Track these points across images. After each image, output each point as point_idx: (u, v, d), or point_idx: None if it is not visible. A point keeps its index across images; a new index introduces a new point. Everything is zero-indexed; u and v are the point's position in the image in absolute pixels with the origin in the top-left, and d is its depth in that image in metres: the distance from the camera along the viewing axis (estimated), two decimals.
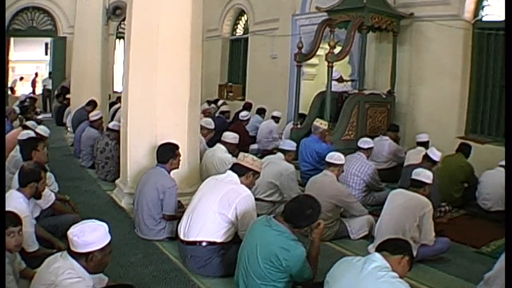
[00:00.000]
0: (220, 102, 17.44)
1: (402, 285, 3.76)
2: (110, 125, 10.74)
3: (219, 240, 5.76)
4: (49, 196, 6.60)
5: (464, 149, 9.77)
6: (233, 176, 5.99)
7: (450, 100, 12.11)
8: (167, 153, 7.04)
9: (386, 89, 13.15)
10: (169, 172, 7.00)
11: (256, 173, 6.11)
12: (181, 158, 7.20)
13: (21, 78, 31.77)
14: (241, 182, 5.93)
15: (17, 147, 7.95)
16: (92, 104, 14.16)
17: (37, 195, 5.86)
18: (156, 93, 7.92)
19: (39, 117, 17.37)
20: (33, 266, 4.77)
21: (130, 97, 8.11)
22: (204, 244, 5.76)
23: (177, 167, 7.15)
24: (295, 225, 4.87)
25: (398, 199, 6.56)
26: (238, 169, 6.04)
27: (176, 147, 7.11)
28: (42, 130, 9.33)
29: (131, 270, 5.93)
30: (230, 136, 9.12)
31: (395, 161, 11.10)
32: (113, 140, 10.24)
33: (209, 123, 10.35)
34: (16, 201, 5.45)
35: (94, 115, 11.87)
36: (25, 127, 9.85)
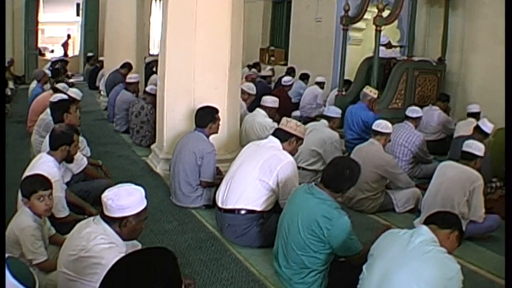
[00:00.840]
0: (268, 67, 17.35)
1: (450, 262, 3.69)
2: (148, 89, 10.77)
3: (258, 208, 5.77)
4: (81, 161, 6.66)
5: None
6: (275, 141, 5.95)
7: (502, 70, 11.83)
8: (206, 117, 7.02)
9: (436, 57, 12.96)
10: (207, 137, 6.99)
11: (300, 139, 6.05)
12: (220, 122, 7.18)
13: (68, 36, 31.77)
14: (284, 148, 5.90)
15: (48, 110, 8.02)
16: (127, 66, 14.17)
17: (68, 159, 5.85)
18: (195, 56, 7.92)
19: (71, 80, 17.50)
20: (63, 233, 4.83)
21: (168, 60, 8.12)
22: (243, 212, 5.78)
23: (216, 132, 7.14)
24: (336, 189, 4.83)
25: (447, 172, 6.49)
26: (281, 134, 6.00)
27: (216, 110, 7.09)
28: (74, 92, 9.36)
29: (165, 238, 6.00)
30: (270, 100, 9.12)
31: (444, 133, 10.97)
32: (149, 104, 10.29)
33: (251, 87, 10.28)
34: (46, 165, 5.47)
35: (131, 77, 11.94)
36: (56, 90, 9.93)
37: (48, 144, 5.84)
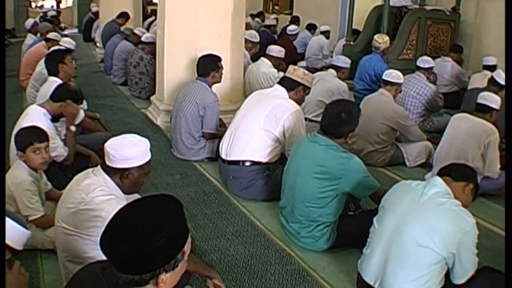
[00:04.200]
0: (272, 16, 17.25)
1: (465, 215, 3.67)
2: (144, 38, 10.70)
3: (264, 160, 5.78)
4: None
5: None
6: (281, 90, 5.93)
7: None
8: (208, 65, 6.97)
9: (450, 5, 12.84)
10: (210, 86, 6.96)
11: (307, 88, 6.02)
12: (223, 72, 7.14)
13: None
14: (290, 97, 5.87)
15: (42, 61, 7.92)
16: (124, 16, 14.13)
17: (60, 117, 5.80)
18: (196, 2, 7.83)
19: (65, 32, 17.41)
20: (60, 188, 4.80)
21: (168, 6, 8.03)
22: (247, 164, 5.80)
23: (219, 81, 7.11)
24: (336, 135, 4.78)
25: (461, 125, 6.45)
26: (287, 82, 5.96)
27: (218, 58, 7.05)
28: (67, 42, 9.33)
29: (167, 192, 5.94)
30: (275, 49, 9.04)
31: (457, 85, 10.91)
32: (148, 54, 10.23)
33: (254, 36, 10.22)
34: (36, 115, 5.48)
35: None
36: (48, 40, 9.88)
37: (50, 95, 5.82)
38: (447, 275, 3.78)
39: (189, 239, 2.39)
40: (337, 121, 4.75)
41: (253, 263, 4.74)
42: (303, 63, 13.57)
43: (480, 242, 3.83)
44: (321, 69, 11.79)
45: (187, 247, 2.36)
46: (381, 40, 10.16)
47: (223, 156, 6.00)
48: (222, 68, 7.07)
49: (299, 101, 5.97)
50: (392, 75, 7.38)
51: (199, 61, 7.07)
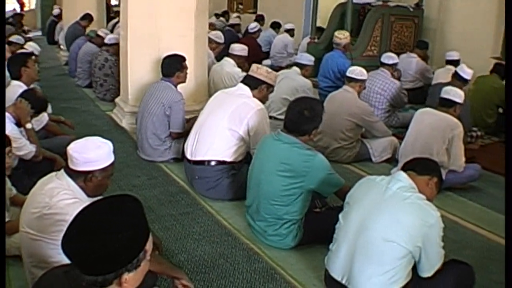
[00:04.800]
0: (234, 15, 17.25)
1: (430, 208, 3.70)
2: (107, 40, 10.63)
3: (229, 159, 5.79)
4: (41, 117, 6.55)
5: (499, 70, 9.59)
6: (244, 89, 5.93)
7: (486, 16, 11.83)
8: (173, 65, 6.98)
9: (414, 2, 12.96)
10: (175, 86, 6.96)
11: (270, 87, 6.05)
12: (188, 72, 7.14)
13: None
14: (254, 96, 5.89)
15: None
16: (87, 18, 14.06)
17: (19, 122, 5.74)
18: (159, 2, 7.81)
19: (28, 35, 17.24)
20: (25, 193, 4.77)
21: (130, 7, 7.99)
22: (213, 163, 5.80)
23: (184, 81, 7.11)
24: (300, 132, 4.79)
25: (425, 119, 6.51)
26: (251, 81, 5.97)
27: (183, 59, 7.06)
28: (32, 47, 9.21)
29: (133, 193, 5.80)
30: (238, 48, 9.10)
31: (422, 81, 11.05)
32: (113, 55, 10.17)
33: (218, 36, 10.24)
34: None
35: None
36: (10, 43, 9.78)
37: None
38: (414, 268, 3.81)
39: (151, 238, 2.40)
40: (300, 118, 4.76)
41: (221, 262, 4.74)
42: (268, 62, 13.65)
43: (446, 235, 3.87)
44: (286, 67, 11.82)
45: (148, 246, 2.37)
46: (342, 36, 10.21)
47: (188, 156, 5.99)
48: (186, 68, 7.08)
49: (263, 100, 5.99)
50: (356, 71, 7.44)
51: (164, 61, 7.06)
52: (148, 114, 6.83)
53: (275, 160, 4.73)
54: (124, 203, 2.38)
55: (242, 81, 6.10)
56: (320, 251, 4.70)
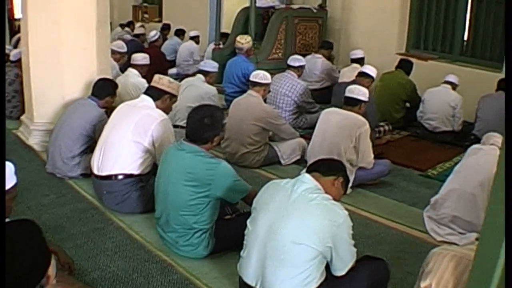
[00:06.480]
0: (137, 24, 17.12)
1: (336, 208, 3.74)
2: (12, 56, 10.37)
3: (136, 172, 5.74)
4: None
5: (404, 66, 9.84)
6: (147, 100, 5.90)
7: (390, 14, 12.12)
8: (107, 89, 6.98)
9: (317, 3, 13.11)
10: (100, 108, 6.87)
11: (173, 97, 6.04)
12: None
13: None
14: (157, 107, 5.86)
15: None
16: None
17: None
18: (59, 15, 7.65)
19: None
20: None
21: (30, 21, 7.78)
22: (120, 177, 5.73)
23: (109, 108, 6.96)
24: (202, 140, 4.82)
25: (331, 119, 6.60)
26: (153, 92, 5.95)
27: (117, 87, 7.13)
28: None
29: (43, 213, 5.86)
30: (139, 57, 9.00)
31: (328, 81, 11.17)
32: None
33: (121, 46, 10.09)
34: None
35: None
36: None
37: None
38: (329, 267, 3.85)
39: (53, 262, 2.34)
40: (200, 127, 4.80)
41: (135, 277, 4.70)
42: (174, 70, 13.63)
43: (360, 232, 3.96)
44: (193, 75, 11.79)
45: (51, 271, 2.31)
46: (243, 41, 10.30)
47: (96, 172, 5.90)
48: (116, 96, 7.11)
49: (167, 110, 5.97)
50: (260, 75, 7.46)
51: (99, 81, 7.00)
52: (68, 127, 6.68)
53: (180, 170, 4.72)
54: (22, 229, 2.33)
55: (144, 92, 6.07)
56: (233, 258, 4.67)
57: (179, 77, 11.64)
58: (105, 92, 6.92)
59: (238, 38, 10.44)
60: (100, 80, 7.04)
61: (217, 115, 4.94)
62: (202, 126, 4.79)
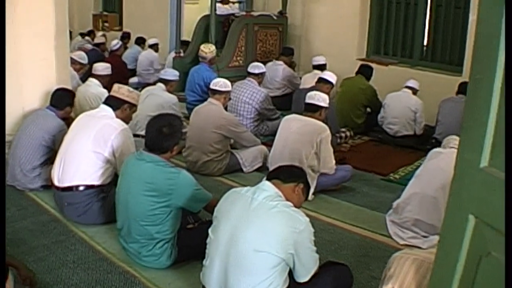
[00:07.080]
0: (99, 33, 17.01)
1: (297, 215, 3.74)
2: None
3: (97, 182, 5.69)
4: None
5: (364, 71, 9.90)
6: (107, 110, 5.88)
7: (350, 19, 12.18)
8: (66, 99, 6.94)
9: (277, 10, 13.14)
10: (59, 118, 6.80)
11: (133, 106, 6.02)
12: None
13: None
14: (117, 116, 5.84)
15: None
16: None
17: None
18: (17, 25, 7.57)
19: None
20: None
21: None
22: (81, 188, 5.68)
23: (67, 118, 6.92)
24: (161, 150, 4.81)
25: (292, 125, 6.63)
26: (113, 102, 5.93)
27: (75, 96, 7.13)
28: None
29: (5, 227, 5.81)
30: (100, 67, 8.93)
31: (289, 88, 11.20)
32: None
33: (82, 56, 10.06)
34: None
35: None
36: None
37: None
38: (292, 274, 3.86)
39: (10, 277, 2.33)
40: (159, 136, 4.78)
41: None
42: (135, 79, 13.53)
43: (323, 237, 3.96)
44: (154, 84, 11.77)
45: (8, 286, 2.30)
46: (207, 50, 10.29)
47: (56, 183, 5.85)
48: (74, 106, 7.06)
49: (126, 119, 5.95)
50: (220, 83, 7.47)
51: (57, 91, 6.94)
52: (27, 138, 6.60)
53: (140, 180, 4.71)
54: None
55: (104, 102, 6.05)
56: (196, 267, 4.65)
57: (140, 86, 11.60)
58: (64, 102, 6.88)
59: (202, 47, 10.44)
60: (58, 90, 6.98)
61: (176, 124, 4.93)
62: (161, 136, 4.78)
